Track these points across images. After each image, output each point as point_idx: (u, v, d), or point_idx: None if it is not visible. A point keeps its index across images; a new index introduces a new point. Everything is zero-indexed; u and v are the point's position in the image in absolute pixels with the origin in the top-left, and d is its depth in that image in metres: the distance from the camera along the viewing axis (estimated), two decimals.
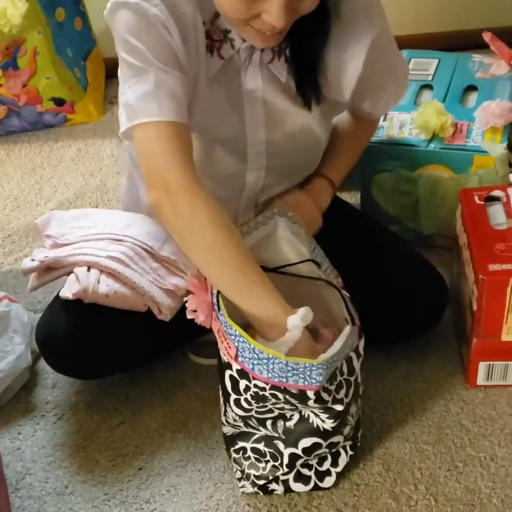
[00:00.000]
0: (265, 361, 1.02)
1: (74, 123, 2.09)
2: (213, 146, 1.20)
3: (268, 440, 1.13)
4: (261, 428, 1.12)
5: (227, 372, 1.08)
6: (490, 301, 1.20)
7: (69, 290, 1.22)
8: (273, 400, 1.06)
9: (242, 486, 1.16)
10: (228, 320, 1.04)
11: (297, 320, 1.02)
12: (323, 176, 1.34)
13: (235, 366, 1.06)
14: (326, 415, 1.08)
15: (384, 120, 1.56)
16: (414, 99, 1.62)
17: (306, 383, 1.02)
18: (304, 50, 1.15)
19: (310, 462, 1.14)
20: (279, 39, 1.10)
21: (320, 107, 1.23)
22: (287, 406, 1.07)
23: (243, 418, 1.11)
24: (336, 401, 1.07)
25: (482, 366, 1.26)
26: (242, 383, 1.06)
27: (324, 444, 1.11)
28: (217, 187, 1.18)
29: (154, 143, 1.07)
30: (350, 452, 1.16)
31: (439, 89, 1.63)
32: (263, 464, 1.14)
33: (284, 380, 1.03)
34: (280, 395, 1.05)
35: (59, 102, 2.05)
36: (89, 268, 1.23)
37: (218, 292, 1.07)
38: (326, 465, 1.15)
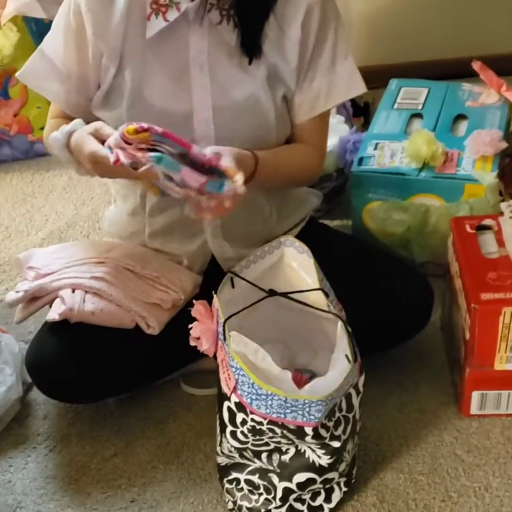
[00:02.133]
0: (263, 397, 1.02)
1: None
2: (164, 111, 1.22)
3: (262, 472, 1.12)
4: (256, 460, 1.11)
5: (225, 403, 1.07)
6: (482, 330, 1.20)
7: (55, 311, 1.22)
8: (270, 434, 1.06)
9: None
10: (231, 352, 1.04)
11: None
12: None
13: (234, 398, 1.05)
14: (323, 451, 1.07)
15: (375, 149, 1.57)
16: (404, 128, 1.63)
17: (304, 419, 1.02)
18: (250, 12, 1.22)
19: (303, 497, 1.13)
20: None
21: (266, 74, 1.24)
22: (283, 440, 1.07)
23: (238, 450, 1.10)
24: (333, 437, 1.07)
25: (476, 395, 1.26)
26: (239, 416, 1.06)
27: (319, 479, 1.10)
28: None
29: None
30: (344, 489, 1.15)
31: (429, 118, 1.65)
32: (256, 497, 1.14)
33: (282, 416, 1.02)
34: (277, 430, 1.04)
35: None
36: (73, 290, 1.24)
37: (224, 321, 1.07)
38: (319, 500, 1.14)
